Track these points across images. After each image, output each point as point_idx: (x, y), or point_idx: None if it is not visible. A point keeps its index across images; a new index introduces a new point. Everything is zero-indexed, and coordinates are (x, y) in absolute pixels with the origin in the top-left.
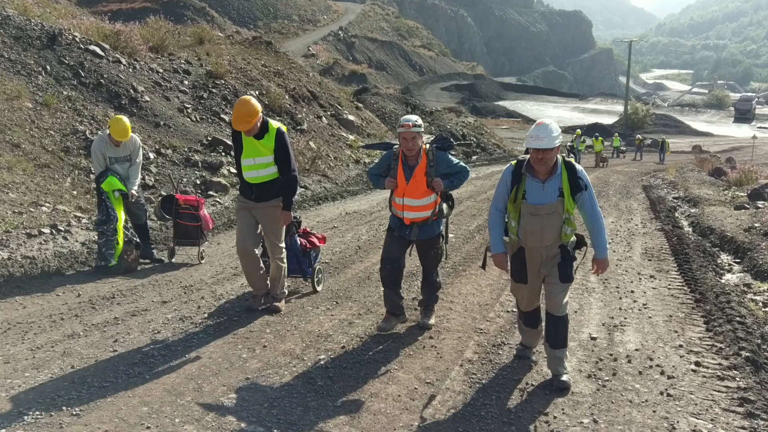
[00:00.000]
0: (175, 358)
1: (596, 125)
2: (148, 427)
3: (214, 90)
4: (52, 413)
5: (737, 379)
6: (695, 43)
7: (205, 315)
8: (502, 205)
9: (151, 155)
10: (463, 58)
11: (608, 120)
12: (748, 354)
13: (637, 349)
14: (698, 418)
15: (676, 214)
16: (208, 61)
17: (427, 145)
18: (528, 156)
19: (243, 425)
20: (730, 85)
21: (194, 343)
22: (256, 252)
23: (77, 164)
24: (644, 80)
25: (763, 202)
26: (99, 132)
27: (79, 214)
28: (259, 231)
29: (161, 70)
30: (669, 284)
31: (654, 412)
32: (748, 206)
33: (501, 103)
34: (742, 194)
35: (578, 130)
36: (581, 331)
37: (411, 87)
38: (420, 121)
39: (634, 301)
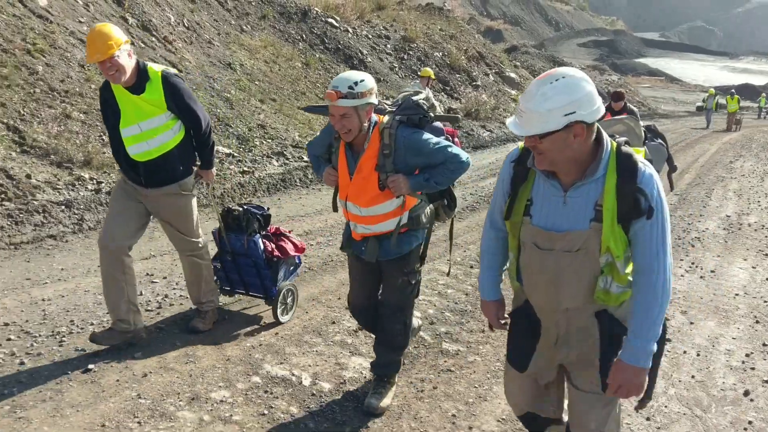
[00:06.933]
0: None
1: (747, 86)
2: None
3: (410, 52)
4: None
5: None
6: None
7: None
8: (500, 219)
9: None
10: (602, 12)
11: (761, 81)
12: None
13: None
14: None
15: None
16: (399, 28)
17: (385, 118)
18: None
19: None
20: None
21: None
22: (129, 258)
23: None
24: None
25: None
26: None
27: None
28: (140, 226)
29: (370, 36)
30: None
31: None
32: None
33: (642, 60)
34: None
35: (711, 89)
36: None
37: (546, 43)
38: (363, 85)
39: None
